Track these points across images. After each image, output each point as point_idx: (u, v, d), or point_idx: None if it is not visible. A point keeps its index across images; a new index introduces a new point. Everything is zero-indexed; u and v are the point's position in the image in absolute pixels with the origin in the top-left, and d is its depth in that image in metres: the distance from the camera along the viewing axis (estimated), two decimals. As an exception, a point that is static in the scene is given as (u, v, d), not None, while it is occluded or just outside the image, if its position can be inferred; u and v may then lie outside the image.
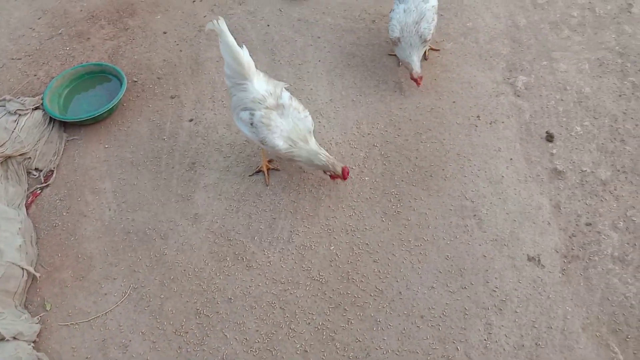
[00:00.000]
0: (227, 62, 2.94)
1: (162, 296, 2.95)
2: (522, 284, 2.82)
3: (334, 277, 2.93)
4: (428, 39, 3.50)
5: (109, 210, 3.32)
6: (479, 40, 4.03)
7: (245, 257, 3.05)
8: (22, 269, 2.95)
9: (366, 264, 2.97)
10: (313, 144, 3.03)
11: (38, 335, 2.83)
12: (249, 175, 3.36)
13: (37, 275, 3.03)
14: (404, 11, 3.50)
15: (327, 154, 3.03)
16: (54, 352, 2.80)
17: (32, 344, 2.77)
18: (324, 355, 2.68)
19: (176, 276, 3.02)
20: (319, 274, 2.95)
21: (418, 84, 3.52)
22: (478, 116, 3.55)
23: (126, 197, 3.37)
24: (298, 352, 2.70)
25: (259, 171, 3.39)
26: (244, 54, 2.91)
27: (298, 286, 2.92)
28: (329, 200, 3.24)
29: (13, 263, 2.90)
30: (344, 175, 3.07)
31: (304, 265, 2.99)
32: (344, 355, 2.67)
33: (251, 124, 2.97)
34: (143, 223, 3.25)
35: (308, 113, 3.05)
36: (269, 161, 3.40)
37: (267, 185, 3.32)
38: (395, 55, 3.77)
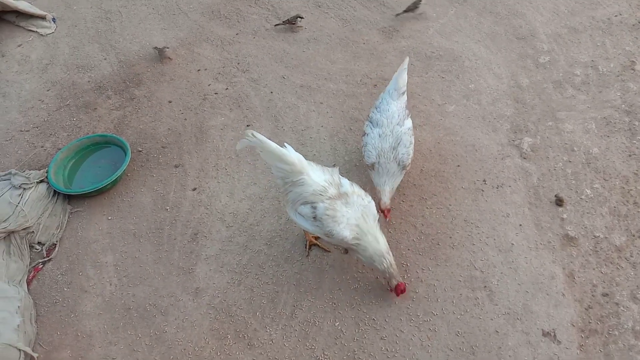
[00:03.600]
0: (276, 167, 2.79)
1: (160, 377, 2.84)
2: (538, 362, 2.67)
3: (339, 356, 2.81)
4: (407, 165, 3.18)
5: (110, 285, 3.26)
6: (482, 101, 4.01)
7: (247, 335, 2.95)
8: (19, 350, 2.87)
9: (373, 341, 2.84)
10: (383, 243, 2.81)
11: (32, 423, 2.72)
12: (306, 256, 3.22)
13: (35, 356, 2.95)
14: (379, 136, 3.17)
15: (393, 260, 2.83)
16: None
17: None
18: None
19: (176, 356, 2.91)
20: (324, 353, 2.83)
21: (385, 216, 3.13)
22: (484, 180, 3.49)
23: (128, 270, 3.31)
24: None
25: (311, 246, 3.26)
26: (290, 153, 2.75)
27: (302, 366, 2.80)
28: (333, 271, 3.15)
29: (9, 345, 2.84)
30: (396, 292, 2.86)
31: (307, 344, 2.87)
32: None
33: (314, 217, 2.77)
34: (144, 298, 3.17)
35: (371, 198, 2.87)
36: (315, 238, 3.27)
37: (307, 256, 3.22)
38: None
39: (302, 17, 4.76)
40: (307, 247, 3.24)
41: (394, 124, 3.19)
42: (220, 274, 3.23)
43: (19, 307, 3.04)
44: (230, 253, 3.33)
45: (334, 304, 3.01)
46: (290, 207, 2.91)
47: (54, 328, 3.10)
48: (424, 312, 2.91)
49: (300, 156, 2.80)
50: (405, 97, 3.31)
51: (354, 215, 2.77)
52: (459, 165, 3.60)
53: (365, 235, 2.78)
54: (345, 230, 2.74)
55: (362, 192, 2.87)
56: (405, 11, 4.73)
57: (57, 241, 3.50)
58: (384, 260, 2.79)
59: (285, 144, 2.80)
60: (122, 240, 3.48)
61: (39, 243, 3.49)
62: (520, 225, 3.24)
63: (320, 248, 3.24)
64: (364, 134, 3.28)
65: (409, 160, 3.17)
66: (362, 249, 2.80)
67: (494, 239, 3.18)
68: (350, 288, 3.07)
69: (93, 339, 3.03)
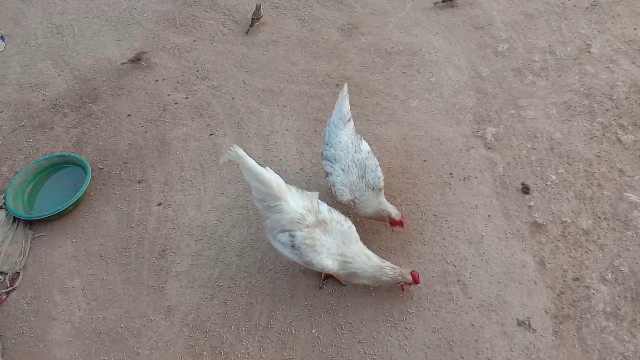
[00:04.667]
0: (255, 187, 2.68)
1: (137, 403, 2.77)
2: (514, 352, 2.68)
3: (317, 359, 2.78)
4: (381, 187, 3.03)
5: (79, 310, 3.16)
6: (444, 94, 4.02)
7: (223, 350, 2.89)
8: (-14, 388, 2.76)
9: (350, 344, 2.82)
10: (374, 258, 2.75)
11: None
12: (319, 288, 3.04)
13: (3, 392, 2.84)
14: (343, 171, 3.00)
15: (392, 265, 2.78)
16: None
17: None
18: None
19: (152, 379, 2.84)
20: (302, 362, 2.80)
21: (403, 224, 3.05)
22: (451, 173, 3.49)
23: (96, 294, 3.22)
24: None
25: (326, 277, 3.09)
26: (269, 175, 2.63)
27: (281, 377, 2.76)
28: (307, 278, 3.12)
29: (-25, 384, 2.72)
30: (415, 281, 2.80)
31: (285, 354, 2.83)
32: None
33: (292, 246, 2.67)
34: (115, 321, 3.09)
35: (351, 223, 2.77)
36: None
37: (344, 285, 3.04)
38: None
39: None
40: (322, 277, 3.09)
41: (352, 153, 3.02)
42: (192, 290, 3.16)
43: (-17, 342, 2.92)
44: (201, 267, 3.26)
45: (310, 310, 2.98)
46: (269, 234, 2.82)
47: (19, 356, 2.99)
48: (399, 312, 2.90)
49: (280, 180, 2.68)
50: (352, 122, 3.13)
51: (334, 243, 2.68)
52: (425, 160, 3.60)
53: (356, 259, 2.69)
54: (326, 260, 2.65)
55: (341, 218, 2.76)
56: (443, 1, 4.71)
57: (20, 269, 3.38)
58: (387, 269, 2.72)
59: (267, 167, 2.68)
60: (89, 262, 3.38)
61: (1, 273, 3.37)
62: (489, 215, 3.25)
63: (335, 280, 3.08)
64: (327, 174, 3.07)
65: (382, 182, 3.03)
66: (362, 272, 2.71)
67: (464, 232, 3.18)
68: (325, 293, 3.03)
69: (64, 368, 2.94)
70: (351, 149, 3.04)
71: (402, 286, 2.92)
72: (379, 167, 3.04)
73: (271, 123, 4.01)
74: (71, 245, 3.48)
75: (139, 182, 3.77)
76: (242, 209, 3.51)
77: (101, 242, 3.47)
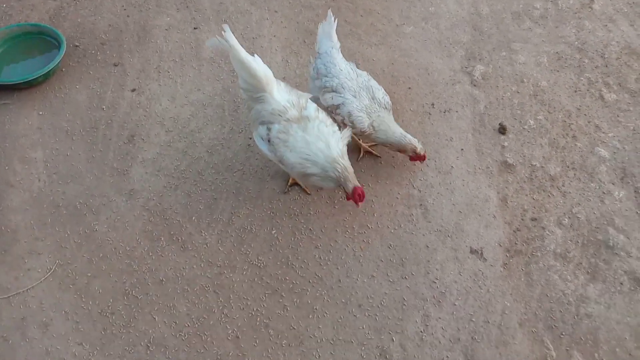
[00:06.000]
0: (242, 77, 2.61)
1: (89, 274, 2.78)
2: (462, 276, 2.77)
3: (272, 262, 2.82)
4: (391, 104, 2.99)
5: (39, 181, 3.10)
6: (440, 26, 3.93)
7: (181, 238, 2.91)
8: None
9: (307, 249, 2.87)
10: (335, 150, 2.58)
11: (-51, 312, 2.63)
12: (284, 193, 3.04)
13: (-47, 247, 2.81)
14: (355, 97, 2.89)
15: (348, 164, 2.61)
16: (-35, 330, 2.60)
17: (-59, 321, 2.57)
18: (256, 342, 2.58)
19: (106, 254, 2.84)
20: (258, 258, 2.83)
21: (424, 159, 3.02)
22: (433, 104, 3.47)
23: (58, 168, 3.16)
24: (229, 338, 2.59)
25: (292, 184, 3.08)
26: (257, 65, 2.55)
27: (234, 270, 2.80)
28: (274, 182, 3.11)
29: None
30: (354, 198, 2.60)
31: (242, 249, 2.87)
32: (276, 343, 2.58)
33: (268, 140, 2.64)
34: (74, 196, 3.05)
35: (337, 128, 2.70)
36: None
37: (309, 194, 3.04)
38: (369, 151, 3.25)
39: None
40: (289, 183, 3.07)
41: (355, 78, 2.95)
42: (157, 178, 3.13)
43: None
44: (169, 158, 3.22)
45: (272, 213, 3.00)
46: (252, 128, 2.77)
47: (-24, 221, 2.95)
48: (359, 225, 2.94)
49: (268, 71, 2.59)
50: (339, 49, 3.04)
51: (311, 141, 2.58)
52: (410, 88, 3.56)
53: (316, 155, 2.57)
54: (293, 158, 2.59)
55: (328, 120, 2.68)
56: None
57: (-19, 133, 3.28)
58: (338, 165, 2.56)
59: (255, 54, 2.60)
60: (54, 136, 3.29)
61: (-40, 133, 3.26)
62: (462, 149, 3.27)
63: (301, 189, 3.07)
64: (336, 107, 2.90)
65: (390, 100, 2.98)
66: (315, 158, 2.57)
67: (435, 161, 3.21)
68: (289, 199, 3.05)
69: (18, 233, 2.91)
70: (352, 74, 2.96)
71: (347, 196, 2.68)
72: (380, 86, 3.00)
73: (259, 27, 3.87)
74: (37, 118, 3.37)
75: (115, 65, 3.63)
76: (218, 107, 3.43)
77: (69, 118, 3.37)
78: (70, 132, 3.31)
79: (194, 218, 2.98)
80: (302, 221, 2.97)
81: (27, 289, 2.73)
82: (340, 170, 2.57)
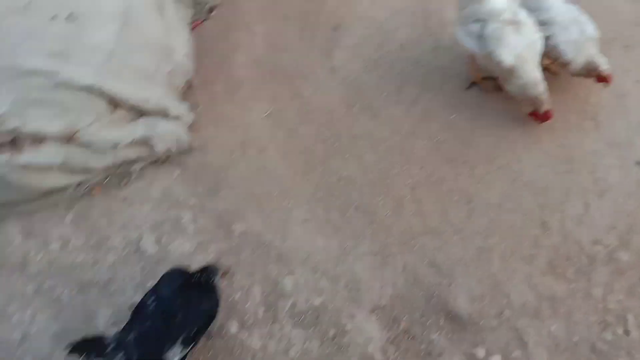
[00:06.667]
0: None
1: (297, 121, 3.38)
2: (626, 181, 2.99)
3: (451, 138, 3.23)
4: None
5: (259, 48, 3.76)
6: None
7: (372, 108, 3.41)
8: (186, 72, 3.44)
9: (482, 135, 3.23)
10: (539, 73, 2.97)
11: (190, 126, 3.33)
12: (466, 89, 3.41)
13: (195, 82, 3.52)
14: (564, 30, 3.09)
15: (545, 88, 2.99)
16: (201, 141, 3.31)
17: (187, 129, 3.28)
18: (429, 194, 3.02)
19: (310, 109, 3.43)
20: (438, 135, 3.26)
21: (609, 80, 3.11)
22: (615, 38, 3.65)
23: (275, 41, 3.79)
24: (407, 187, 3.06)
25: (473, 83, 3.42)
26: None
27: (417, 139, 3.25)
28: (456, 80, 3.50)
29: (181, 64, 3.40)
30: (542, 118, 3.06)
31: (424, 125, 3.31)
32: (448, 197, 3.00)
33: (480, 36, 3.00)
34: (287, 64, 3.67)
35: (541, 35, 3.02)
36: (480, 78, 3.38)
37: (488, 93, 3.35)
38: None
39: None
40: (470, 82, 3.42)
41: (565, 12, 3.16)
42: (355, 61, 3.65)
43: (187, 39, 3.56)
44: (366, 48, 3.72)
45: (452, 102, 3.39)
46: (461, 24, 3.14)
47: (210, 69, 3.65)
48: (532, 125, 3.23)
49: None
50: None
51: (520, 44, 2.92)
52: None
53: (525, 64, 2.94)
54: (505, 55, 2.91)
55: (535, 28, 3.02)
56: None
57: (216, 5, 3.99)
58: (538, 86, 2.95)
59: None
60: (272, 18, 3.93)
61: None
62: (637, 80, 3.44)
63: (482, 88, 3.40)
64: (547, 37, 3.08)
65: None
66: (517, 77, 2.95)
67: (611, 88, 3.40)
68: (468, 95, 3.42)
69: (242, 83, 3.58)
70: (563, 8, 3.20)
71: (534, 114, 3.12)
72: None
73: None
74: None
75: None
76: (411, 15, 3.86)
77: (285, 6, 3.99)
78: (286, 16, 3.93)
79: (384, 95, 3.47)
80: (478, 113, 3.34)
81: (248, 123, 3.39)
82: (540, 90, 2.96)
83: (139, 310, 2.32)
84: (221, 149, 3.28)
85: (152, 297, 2.31)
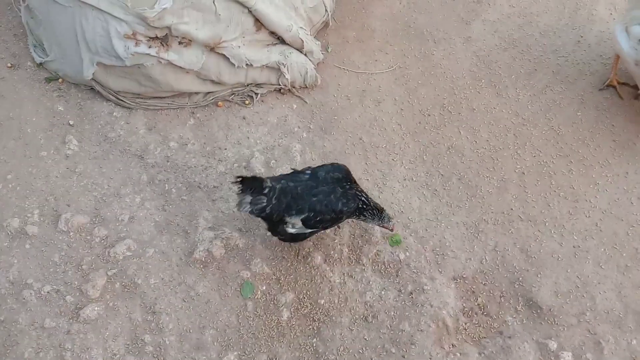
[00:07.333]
0: None
1: (419, 82, 3.42)
2: None
3: (571, 133, 3.20)
4: None
5: (400, 3, 3.76)
6: None
7: (498, 86, 3.38)
8: (326, 11, 3.53)
9: (605, 138, 3.16)
10: None
11: (318, 64, 3.45)
12: (599, 90, 3.32)
13: (331, 23, 3.61)
14: None
15: None
16: (324, 80, 3.42)
17: (315, 66, 3.41)
18: (537, 183, 3.01)
19: (436, 73, 3.45)
20: (559, 127, 3.21)
21: None
22: None
23: (417, 0, 3.78)
24: (516, 171, 3.06)
25: (609, 85, 3.30)
26: None
27: (536, 127, 3.21)
28: (592, 77, 3.39)
29: (323, 2, 3.49)
30: None
31: (547, 115, 3.26)
32: (554, 191, 2.98)
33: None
34: (423, 25, 3.67)
35: None
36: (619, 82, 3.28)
37: (622, 99, 3.26)
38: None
39: None
40: (606, 83, 3.30)
41: None
42: (492, 36, 3.60)
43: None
44: (505, 25, 3.64)
45: (582, 98, 3.30)
46: (622, 24, 3.00)
47: (347, 14, 3.70)
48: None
49: None
50: None
51: None
52: None
53: None
54: None
55: None
56: None
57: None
58: None
59: None
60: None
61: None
62: None
63: (616, 91, 3.29)
64: None
65: None
66: None
67: None
68: (602, 95, 3.31)
69: (375, 33, 3.63)
70: None
71: None
72: None
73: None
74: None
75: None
76: (560, 3, 3.72)
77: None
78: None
79: (513, 76, 3.42)
80: (606, 115, 3.23)
81: (372, 73, 3.46)
82: None
83: (296, 172, 2.63)
84: (341, 92, 3.39)
85: (310, 171, 2.59)
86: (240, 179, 2.39)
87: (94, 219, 2.91)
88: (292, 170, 2.68)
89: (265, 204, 2.46)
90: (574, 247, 2.80)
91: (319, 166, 2.64)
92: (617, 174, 3.03)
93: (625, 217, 2.88)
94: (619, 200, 2.93)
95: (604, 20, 3.61)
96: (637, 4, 2.98)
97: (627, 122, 3.20)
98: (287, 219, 2.54)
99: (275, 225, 2.60)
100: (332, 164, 2.65)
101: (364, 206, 2.56)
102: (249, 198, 2.46)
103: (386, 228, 2.69)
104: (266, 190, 2.45)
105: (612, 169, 3.05)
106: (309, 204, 2.50)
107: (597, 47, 3.48)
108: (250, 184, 2.42)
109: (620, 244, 2.80)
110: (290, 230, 2.59)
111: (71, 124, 3.23)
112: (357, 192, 2.57)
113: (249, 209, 2.49)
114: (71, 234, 2.86)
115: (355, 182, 2.63)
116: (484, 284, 2.76)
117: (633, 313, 2.60)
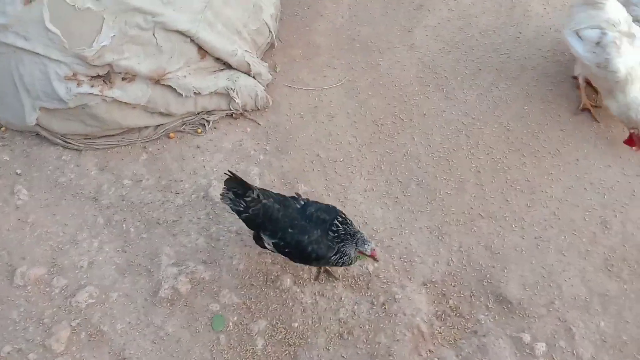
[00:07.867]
0: None
1: (369, 93, 3.45)
2: (698, 193, 2.95)
3: (520, 128, 3.26)
4: None
5: (342, 18, 3.80)
6: None
7: (446, 89, 3.44)
8: (270, 32, 3.54)
9: (553, 128, 3.25)
10: None
11: (267, 85, 3.45)
12: (574, 115, 3.26)
13: (276, 44, 3.62)
14: None
15: None
16: (276, 101, 3.42)
17: (264, 87, 3.40)
18: (493, 180, 3.07)
19: (384, 83, 3.49)
20: (508, 122, 3.28)
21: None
22: None
23: (358, 13, 3.82)
24: (472, 170, 3.11)
25: (583, 109, 3.27)
26: None
27: (486, 125, 3.28)
28: (534, 71, 3.49)
29: (266, 23, 3.50)
30: (632, 143, 2.97)
31: (495, 112, 3.33)
32: (511, 186, 3.04)
33: (597, 43, 2.91)
34: (367, 36, 3.71)
35: None
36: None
37: (598, 122, 3.22)
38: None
39: None
40: (579, 107, 3.25)
41: None
42: (434, 41, 3.67)
43: (273, 2, 3.66)
44: (446, 30, 3.72)
45: (527, 93, 3.39)
46: (572, 28, 3.04)
47: (291, 32, 3.73)
48: (605, 125, 3.21)
49: None
50: None
51: (634, 58, 2.88)
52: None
53: (637, 81, 2.90)
54: (621, 64, 2.85)
55: None
56: None
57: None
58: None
59: None
60: (360, -12, 3.97)
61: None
62: None
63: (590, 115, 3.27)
64: None
65: None
66: (623, 93, 2.91)
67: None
68: (547, 89, 3.41)
69: (320, 49, 3.66)
70: None
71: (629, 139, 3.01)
72: None
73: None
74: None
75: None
76: (496, 3, 3.82)
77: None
78: (369, -9, 3.97)
79: (459, 78, 3.49)
80: (552, 107, 3.33)
81: (322, 89, 3.48)
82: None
83: (292, 198, 2.61)
84: (294, 111, 3.39)
85: (304, 203, 2.57)
86: (231, 175, 2.44)
87: (52, 269, 2.82)
88: (294, 195, 2.69)
89: (242, 210, 2.48)
90: (535, 238, 2.86)
91: (314, 202, 2.61)
92: (568, 162, 3.11)
93: (581, 203, 2.96)
94: (573, 187, 3.02)
95: (540, 15, 3.72)
96: (582, 7, 3.02)
97: (572, 111, 3.30)
98: (262, 235, 2.55)
99: (257, 234, 2.63)
100: (326, 205, 2.60)
101: (340, 259, 2.51)
102: (232, 195, 2.49)
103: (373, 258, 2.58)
104: (249, 199, 2.46)
105: (563, 157, 3.13)
106: (282, 232, 2.47)
107: (536, 41, 3.59)
108: (234, 186, 2.46)
109: (578, 230, 2.88)
110: (267, 245, 2.59)
111: (19, 173, 3.12)
112: (340, 243, 2.47)
113: (230, 205, 2.52)
114: (29, 287, 2.75)
115: (349, 227, 2.52)
116: (454, 286, 2.78)
117: (598, 295, 2.67)
